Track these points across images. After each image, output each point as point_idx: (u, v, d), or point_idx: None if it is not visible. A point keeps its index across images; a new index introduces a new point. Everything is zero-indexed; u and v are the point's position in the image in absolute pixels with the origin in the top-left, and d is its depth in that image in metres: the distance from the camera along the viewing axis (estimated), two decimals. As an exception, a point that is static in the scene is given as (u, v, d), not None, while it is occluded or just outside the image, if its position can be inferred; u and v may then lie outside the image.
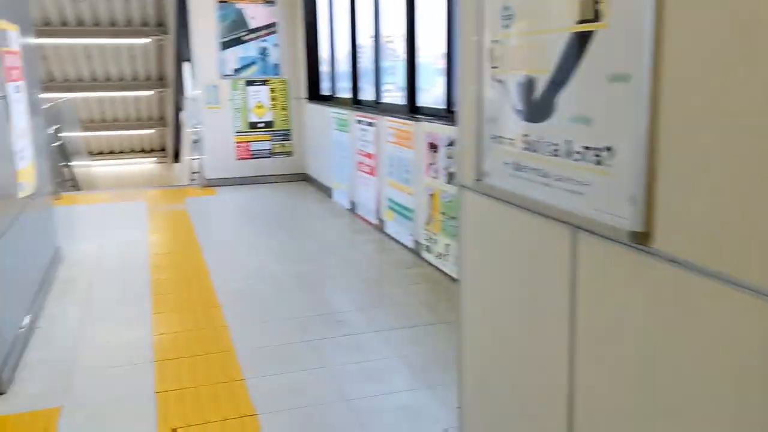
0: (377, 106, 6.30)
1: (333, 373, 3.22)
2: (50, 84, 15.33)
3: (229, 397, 3.00)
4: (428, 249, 4.94)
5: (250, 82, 8.55)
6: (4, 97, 3.62)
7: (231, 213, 7.13)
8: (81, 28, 13.54)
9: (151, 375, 3.22)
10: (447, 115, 4.79)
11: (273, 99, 8.69)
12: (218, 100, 8.45)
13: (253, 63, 8.55)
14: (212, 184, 8.54)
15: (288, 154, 8.87)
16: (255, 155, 8.71)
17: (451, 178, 4.49)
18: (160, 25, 13.88)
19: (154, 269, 5.00)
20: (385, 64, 6.26)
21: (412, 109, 5.46)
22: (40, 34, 12.92)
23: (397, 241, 5.54)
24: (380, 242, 5.65)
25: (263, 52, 8.57)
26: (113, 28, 13.62)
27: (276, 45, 8.59)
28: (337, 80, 7.91)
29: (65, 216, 6.55)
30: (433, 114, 5.06)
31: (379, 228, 6.02)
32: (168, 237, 6.12)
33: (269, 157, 8.79)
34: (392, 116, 5.62)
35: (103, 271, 4.96)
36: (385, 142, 5.76)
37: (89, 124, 18.09)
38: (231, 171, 8.62)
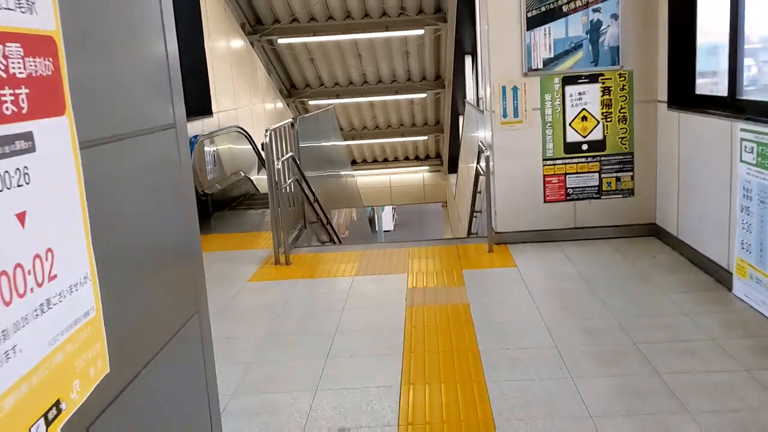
0: None
1: None
2: (319, 89, 13.71)
3: None
4: None
5: (569, 79, 5.35)
6: None
7: (552, 319, 3.99)
8: (349, 22, 11.48)
9: None
10: None
11: (606, 105, 5.37)
12: (518, 111, 5.39)
13: (576, 48, 5.32)
14: (506, 240, 5.52)
15: (627, 193, 5.49)
16: (573, 195, 5.49)
17: None
18: (438, 12, 11.25)
19: None
20: None
21: None
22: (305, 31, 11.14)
23: None
24: None
25: (594, 28, 5.29)
26: (384, 19, 11.32)
27: (615, 17, 5.25)
28: (739, 72, 4.30)
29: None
30: None
31: None
32: (443, 392, 3.20)
33: (597, 197, 5.49)
34: None
35: None
36: None
37: (357, 132, 16.38)
38: (535, 220, 5.51)
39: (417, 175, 19.15)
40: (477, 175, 6.35)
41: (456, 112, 13.45)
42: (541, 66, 5.34)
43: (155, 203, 1.78)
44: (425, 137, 16.51)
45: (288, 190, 5.82)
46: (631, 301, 4.09)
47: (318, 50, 12.45)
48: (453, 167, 16.78)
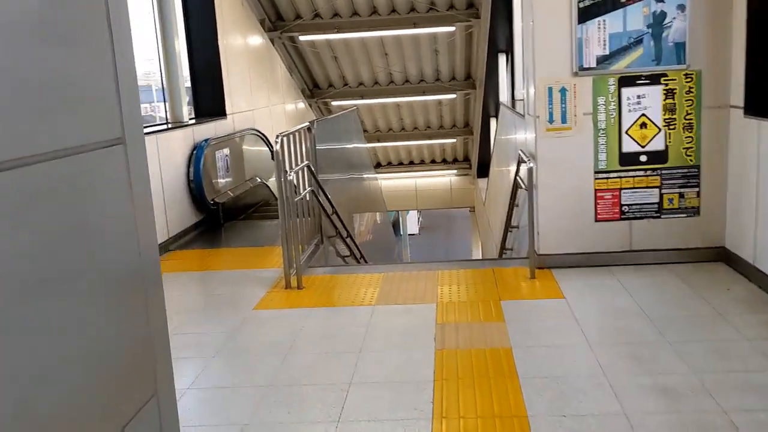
0: None
1: None
2: (342, 89, 13.09)
3: None
4: None
5: (627, 80, 4.62)
6: None
7: (615, 373, 3.28)
8: (375, 18, 10.83)
9: None
10: None
11: (669, 110, 4.64)
12: (567, 116, 4.67)
13: (635, 44, 4.59)
14: (550, 263, 4.80)
15: (692, 211, 4.74)
16: (629, 214, 4.76)
17: None
18: (470, 7, 10.54)
19: None
20: None
21: None
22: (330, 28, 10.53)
23: None
24: None
25: (657, 21, 4.56)
26: (412, 15, 10.65)
27: (681, 7, 4.51)
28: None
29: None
30: None
31: None
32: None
33: (657, 216, 4.75)
34: None
35: None
36: None
37: (382, 134, 15.71)
38: (584, 242, 4.79)
39: (444, 178, 18.44)
40: (515, 186, 5.64)
41: (487, 114, 12.72)
42: (593, 64, 4.62)
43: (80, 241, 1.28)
44: (453, 140, 15.79)
45: (303, 201, 5.18)
46: (710, 348, 3.36)
47: (342, 48, 11.81)
48: (483, 171, 16.03)
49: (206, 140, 7.00)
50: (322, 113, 14.48)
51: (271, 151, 8.67)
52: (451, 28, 10.76)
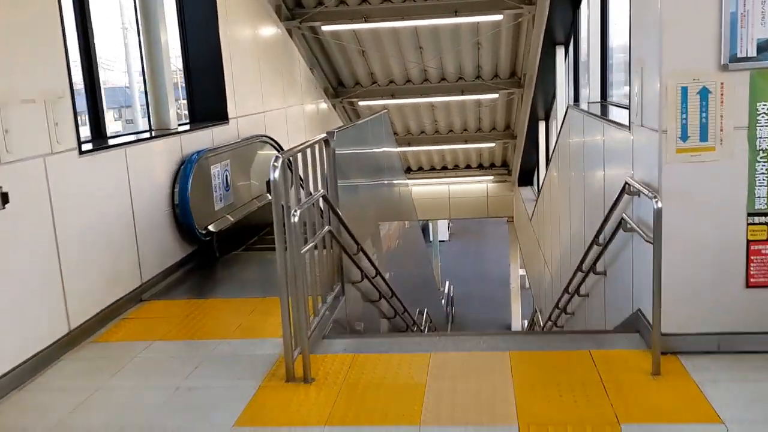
0: None
1: None
2: (370, 88, 11.62)
3: None
4: None
5: (802, 77, 3.04)
6: None
7: None
8: (410, 4, 9.31)
9: None
10: None
11: None
12: (708, 130, 3.10)
13: (821, 21, 3.01)
14: (679, 347, 3.24)
15: None
16: (799, 276, 3.18)
17: None
18: (522, -9, 8.96)
19: None
20: None
21: None
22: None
23: None
24: None
25: None
26: (452, 1, 9.10)
27: None
28: None
29: None
30: None
31: None
32: None
33: (843, 282, 3.16)
34: None
35: None
36: None
37: (414, 137, 14.20)
38: (731, 316, 3.21)
39: (480, 185, 16.84)
40: (618, 226, 4.04)
41: (535, 116, 11.12)
42: (753, 53, 3.05)
43: None
44: (492, 144, 14.20)
45: (317, 243, 3.69)
46: None
47: (370, 40, 10.30)
48: (526, 179, 14.44)
49: (199, 152, 5.54)
50: (347, 114, 13.00)
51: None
52: (498, 17, 9.18)
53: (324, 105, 11.09)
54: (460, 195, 16.84)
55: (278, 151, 7.45)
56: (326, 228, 3.84)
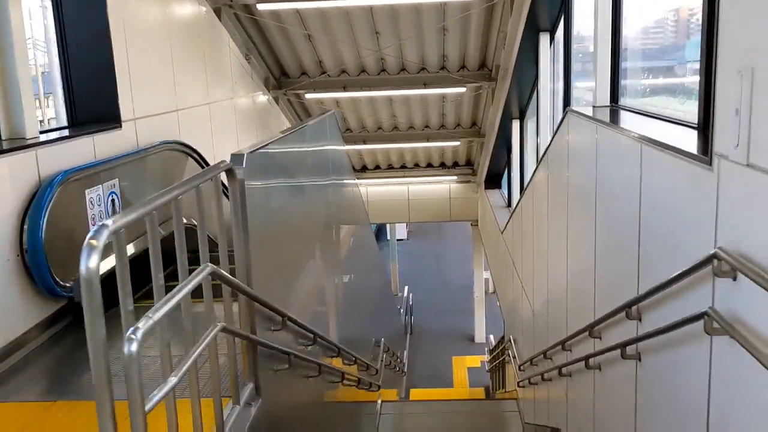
0: None
1: None
2: (319, 79, 10.08)
3: None
4: None
5: None
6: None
7: None
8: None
9: None
10: None
11: None
12: None
13: None
14: None
15: None
16: None
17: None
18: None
19: None
20: None
21: None
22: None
23: None
24: None
25: None
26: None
27: None
28: None
29: None
30: None
31: None
32: None
33: None
34: None
35: None
36: None
37: (370, 134, 12.70)
38: None
39: (442, 186, 15.46)
40: (660, 302, 2.64)
41: (509, 115, 9.72)
42: None
43: None
44: (457, 143, 12.79)
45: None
46: None
47: (318, 22, 8.73)
48: (494, 182, 13.11)
49: (66, 172, 3.95)
50: (294, 109, 11.41)
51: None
52: (470, -3, 7.72)
53: (263, 98, 9.48)
54: (421, 196, 15.44)
55: (197, 161, 5.90)
56: (213, 329, 2.32)
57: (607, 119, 3.96)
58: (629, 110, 4.25)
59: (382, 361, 8.14)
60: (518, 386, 7.88)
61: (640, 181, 3.09)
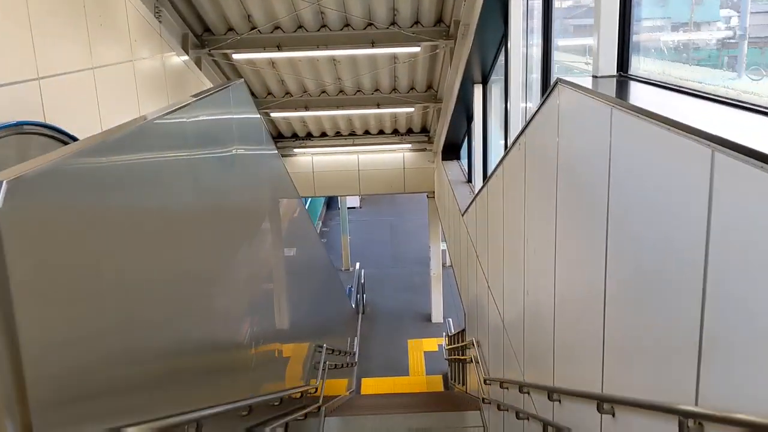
0: None
1: None
2: (248, 36, 8.58)
3: None
4: None
5: None
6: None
7: None
8: None
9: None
10: None
11: None
12: None
13: None
14: None
15: None
16: None
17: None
18: None
19: None
20: None
21: None
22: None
23: None
24: None
25: None
26: None
27: None
28: None
29: None
30: None
31: None
32: None
33: None
34: None
35: None
36: None
37: (313, 99, 11.28)
38: None
39: (395, 155, 14.18)
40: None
41: (470, 78, 8.40)
42: None
43: None
44: (411, 108, 11.44)
45: None
46: None
47: None
48: (452, 153, 11.85)
49: None
50: (222, 71, 9.85)
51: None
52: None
53: (178, 60, 7.93)
54: (373, 166, 14.13)
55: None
56: None
57: (635, 101, 2.66)
58: (653, 83, 2.97)
59: (324, 371, 6.91)
60: (483, 402, 6.77)
61: (708, 205, 1.82)
